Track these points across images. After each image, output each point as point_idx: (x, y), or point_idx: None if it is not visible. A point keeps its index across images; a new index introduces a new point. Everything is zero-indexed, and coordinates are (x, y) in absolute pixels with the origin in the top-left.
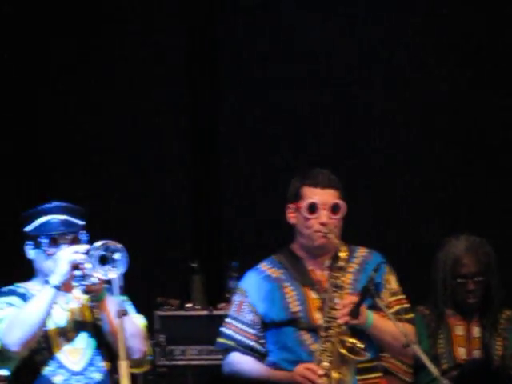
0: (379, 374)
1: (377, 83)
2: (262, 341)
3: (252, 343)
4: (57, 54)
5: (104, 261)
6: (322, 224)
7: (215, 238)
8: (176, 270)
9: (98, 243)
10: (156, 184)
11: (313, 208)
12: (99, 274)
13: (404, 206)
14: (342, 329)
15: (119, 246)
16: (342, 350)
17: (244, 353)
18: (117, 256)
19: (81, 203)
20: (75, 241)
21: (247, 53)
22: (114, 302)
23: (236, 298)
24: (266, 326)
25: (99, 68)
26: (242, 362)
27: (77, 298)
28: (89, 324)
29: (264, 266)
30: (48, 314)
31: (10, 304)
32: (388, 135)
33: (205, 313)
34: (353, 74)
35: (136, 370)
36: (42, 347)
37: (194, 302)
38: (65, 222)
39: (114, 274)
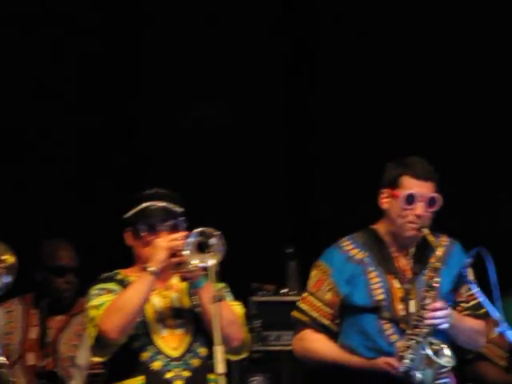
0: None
1: None
2: (337, 321)
3: (327, 322)
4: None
5: (201, 248)
6: (417, 216)
7: (311, 223)
8: (272, 256)
9: (196, 230)
10: (253, 170)
11: (410, 199)
12: (197, 260)
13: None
14: (430, 330)
15: (216, 232)
16: (429, 352)
17: (317, 330)
18: (214, 243)
19: (179, 190)
20: (174, 228)
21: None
22: (211, 289)
23: (316, 274)
24: (345, 308)
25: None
26: (314, 339)
27: (175, 285)
28: (187, 311)
29: (347, 245)
30: (146, 300)
31: (109, 290)
32: None
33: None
34: None
35: (234, 358)
36: (141, 333)
37: (289, 288)
38: (164, 209)
39: (211, 260)
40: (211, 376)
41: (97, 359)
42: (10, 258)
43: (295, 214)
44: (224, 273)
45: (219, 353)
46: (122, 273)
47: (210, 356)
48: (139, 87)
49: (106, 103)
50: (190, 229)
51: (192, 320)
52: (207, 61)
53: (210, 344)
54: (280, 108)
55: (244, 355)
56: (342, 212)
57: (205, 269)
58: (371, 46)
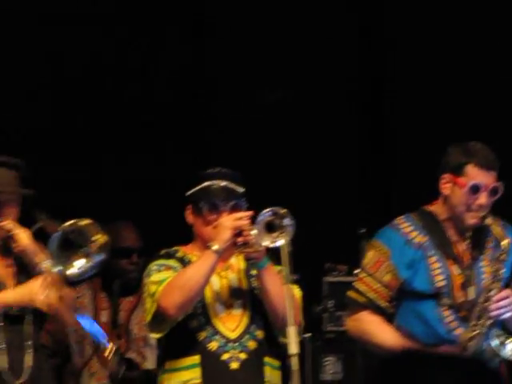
0: None
1: None
2: (393, 303)
3: (384, 304)
4: None
5: (271, 228)
6: (480, 206)
7: (384, 203)
8: (345, 236)
9: (266, 210)
10: (325, 150)
11: (475, 189)
12: (266, 241)
13: None
14: (493, 321)
15: (287, 212)
16: (495, 342)
17: (374, 312)
18: (284, 223)
19: (241, 170)
20: (235, 208)
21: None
22: (274, 270)
23: (374, 255)
24: (404, 292)
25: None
26: (370, 321)
27: (234, 266)
28: (245, 292)
29: (405, 227)
30: (208, 279)
31: (169, 266)
32: None
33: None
34: None
35: (287, 341)
36: (199, 313)
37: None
38: (226, 189)
39: (281, 241)
40: (267, 359)
41: (152, 335)
42: (101, 238)
43: (368, 193)
44: (296, 253)
45: (292, 333)
46: (182, 250)
47: (265, 339)
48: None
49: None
50: (257, 208)
51: (250, 302)
52: (274, 45)
53: (266, 326)
54: (352, 85)
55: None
56: (415, 192)
57: (269, 249)
58: None
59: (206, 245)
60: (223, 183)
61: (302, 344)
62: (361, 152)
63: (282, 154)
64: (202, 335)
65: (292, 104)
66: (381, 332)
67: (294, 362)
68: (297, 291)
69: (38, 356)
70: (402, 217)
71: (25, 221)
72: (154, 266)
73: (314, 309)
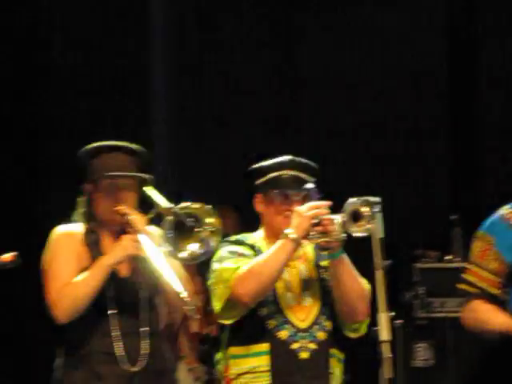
0: None
1: None
2: (505, 289)
3: (496, 291)
4: None
5: (357, 217)
6: None
7: (476, 190)
8: (436, 223)
9: (353, 199)
10: (415, 136)
11: None
12: (353, 229)
13: None
14: None
15: (376, 200)
16: None
17: (487, 301)
18: (373, 210)
19: (311, 159)
20: (306, 198)
21: None
22: (348, 261)
23: (479, 245)
24: None
25: None
26: (484, 310)
27: (304, 256)
28: (315, 283)
29: (508, 213)
30: (284, 268)
31: (241, 253)
32: None
33: (464, 265)
34: None
35: (352, 335)
36: (270, 301)
37: (453, 254)
38: (297, 179)
39: (370, 229)
40: (333, 351)
41: (222, 321)
42: (215, 222)
43: (460, 180)
44: (388, 239)
45: (384, 319)
46: (252, 237)
47: (334, 330)
48: None
49: None
50: (336, 199)
51: (319, 292)
52: None
53: (334, 318)
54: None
55: (362, 333)
56: (507, 179)
57: (348, 239)
58: None
59: (276, 234)
60: (293, 173)
61: (393, 330)
62: (452, 137)
63: (368, 139)
64: (272, 323)
65: None
66: (495, 318)
67: (386, 349)
68: (366, 284)
69: (154, 342)
70: (508, 205)
71: (142, 206)
72: (225, 252)
73: (404, 295)
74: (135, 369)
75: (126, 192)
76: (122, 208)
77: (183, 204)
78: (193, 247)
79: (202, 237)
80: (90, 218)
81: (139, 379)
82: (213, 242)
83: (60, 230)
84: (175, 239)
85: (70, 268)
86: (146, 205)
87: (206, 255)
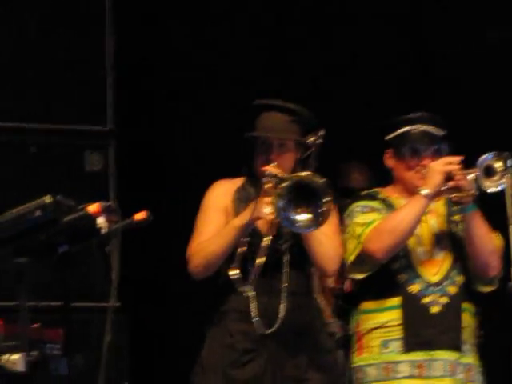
0: None
1: None
2: None
3: None
4: None
5: (489, 172)
6: None
7: None
8: None
9: (487, 154)
10: None
11: None
12: (487, 185)
13: None
14: None
15: (510, 154)
16: None
17: None
18: (508, 165)
19: (441, 113)
20: (437, 153)
21: None
22: (480, 215)
23: None
24: None
25: None
26: None
27: (435, 210)
28: (447, 237)
29: None
30: (418, 223)
31: (373, 208)
32: None
33: None
34: None
35: (485, 289)
36: (401, 255)
37: None
38: (428, 134)
39: (505, 184)
40: (465, 305)
41: (353, 275)
42: (329, 202)
43: None
44: None
45: None
46: (383, 192)
47: (465, 284)
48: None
49: None
50: (466, 153)
51: (451, 247)
52: None
53: (466, 272)
54: None
55: (494, 287)
56: None
57: (481, 194)
58: None
59: (407, 189)
60: (425, 127)
61: None
62: None
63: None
64: (403, 278)
65: None
66: None
67: None
68: (497, 239)
69: (294, 301)
70: None
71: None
72: (356, 207)
73: None
74: (270, 329)
75: (280, 153)
76: (269, 167)
77: (307, 172)
78: (302, 217)
79: (316, 212)
80: (249, 173)
81: (274, 339)
82: (322, 219)
83: (217, 183)
84: (291, 204)
85: (213, 225)
86: None
87: (306, 229)
